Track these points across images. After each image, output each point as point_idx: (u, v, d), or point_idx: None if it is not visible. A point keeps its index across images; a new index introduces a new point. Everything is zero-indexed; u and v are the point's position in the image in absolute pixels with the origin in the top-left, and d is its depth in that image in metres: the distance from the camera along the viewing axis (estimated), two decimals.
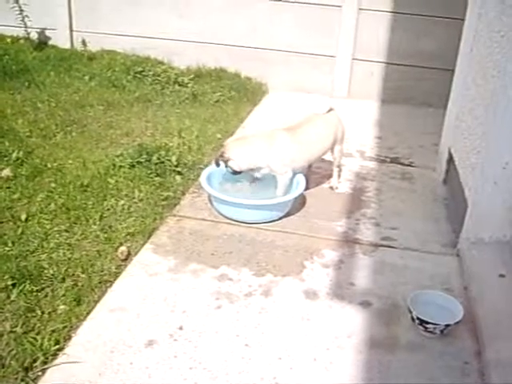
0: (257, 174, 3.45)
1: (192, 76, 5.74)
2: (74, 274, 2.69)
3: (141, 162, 3.78)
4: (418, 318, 2.44)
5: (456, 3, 4.69)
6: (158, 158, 3.80)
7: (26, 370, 2.13)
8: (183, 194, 3.57)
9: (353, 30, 5.60)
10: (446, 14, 5.30)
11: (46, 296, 2.53)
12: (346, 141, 4.53)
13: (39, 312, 2.42)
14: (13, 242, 2.88)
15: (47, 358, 2.19)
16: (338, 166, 3.84)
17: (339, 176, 3.87)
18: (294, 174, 3.45)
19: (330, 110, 3.69)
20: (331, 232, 3.25)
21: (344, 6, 5.55)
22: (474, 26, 3.51)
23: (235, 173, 3.39)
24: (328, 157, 3.84)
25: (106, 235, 3.03)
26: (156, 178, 3.65)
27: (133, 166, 3.76)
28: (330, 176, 3.87)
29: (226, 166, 3.37)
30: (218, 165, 3.41)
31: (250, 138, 3.48)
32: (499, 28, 2.87)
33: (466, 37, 3.77)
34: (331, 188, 3.80)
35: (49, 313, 2.43)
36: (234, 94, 5.48)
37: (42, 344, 2.23)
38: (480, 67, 3.20)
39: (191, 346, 2.32)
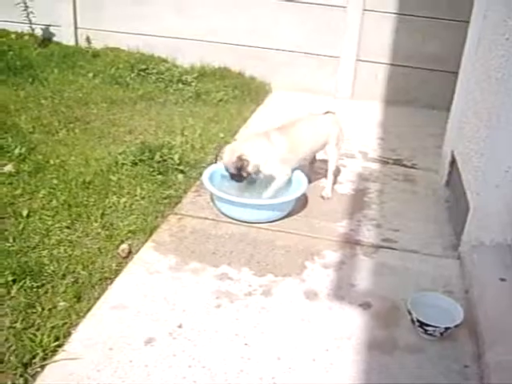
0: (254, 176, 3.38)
1: (196, 75, 5.74)
2: (74, 271, 2.69)
3: (143, 160, 3.78)
4: (417, 321, 2.43)
5: (461, 6, 4.71)
6: (161, 156, 3.80)
7: (25, 365, 2.13)
8: (185, 192, 3.57)
9: (357, 30, 5.60)
10: (450, 17, 5.30)
11: (46, 292, 2.54)
12: (349, 141, 4.55)
13: (39, 308, 2.42)
14: (14, 238, 2.88)
15: (46, 355, 2.19)
16: (333, 172, 3.68)
17: (333, 184, 3.72)
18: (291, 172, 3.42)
19: (328, 112, 3.70)
20: (332, 233, 3.25)
21: (349, 6, 5.55)
22: (478, 29, 3.50)
23: (240, 179, 3.31)
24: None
25: (107, 232, 3.03)
26: (158, 176, 3.65)
27: (135, 163, 3.76)
28: None
29: (242, 173, 3.24)
30: (242, 178, 3.29)
31: (250, 139, 3.41)
32: (504, 31, 2.86)
33: (470, 39, 3.76)
34: (322, 197, 3.63)
35: (49, 309, 2.43)
36: (238, 93, 5.48)
37: (41, 340, 2.23)
38: (484, 70, 3.20)
39: (190, 344, 2.32)
